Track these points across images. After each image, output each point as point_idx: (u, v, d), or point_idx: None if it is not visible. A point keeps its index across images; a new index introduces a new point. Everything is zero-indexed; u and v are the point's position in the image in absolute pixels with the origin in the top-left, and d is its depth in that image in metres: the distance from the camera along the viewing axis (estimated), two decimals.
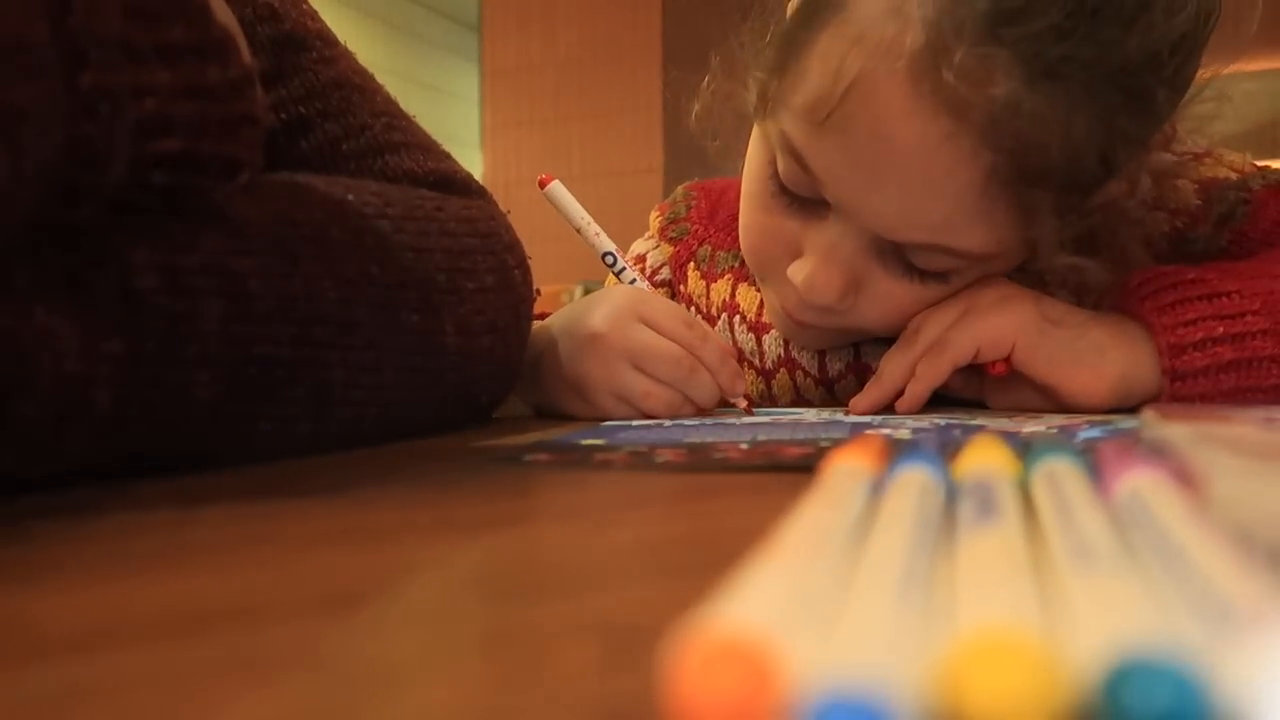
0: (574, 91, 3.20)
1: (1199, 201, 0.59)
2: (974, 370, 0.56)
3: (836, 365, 0.64)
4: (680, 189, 0.76)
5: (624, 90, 3.13)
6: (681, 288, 0.70)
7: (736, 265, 0.68)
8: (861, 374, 0.64)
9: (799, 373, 0.65)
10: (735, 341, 0.67)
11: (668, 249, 0.72)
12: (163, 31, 0.28)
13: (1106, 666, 0.09)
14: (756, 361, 0.66)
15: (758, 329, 0.65)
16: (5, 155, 0.22)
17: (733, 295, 0.67)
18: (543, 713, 0.13)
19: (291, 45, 0.49)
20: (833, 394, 0.65)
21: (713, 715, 0.10)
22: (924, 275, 0.55)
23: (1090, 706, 0.09)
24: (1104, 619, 0.11)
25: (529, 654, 0.15)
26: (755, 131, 0.59)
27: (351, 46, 0.55)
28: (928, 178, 0.49)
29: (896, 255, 0.54)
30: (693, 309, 0.70)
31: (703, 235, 0.71)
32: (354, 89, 0.51)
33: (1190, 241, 0.60)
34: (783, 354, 0.65)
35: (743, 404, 0.57)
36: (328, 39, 0.52)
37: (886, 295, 0.55)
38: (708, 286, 0.69)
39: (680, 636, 0.11)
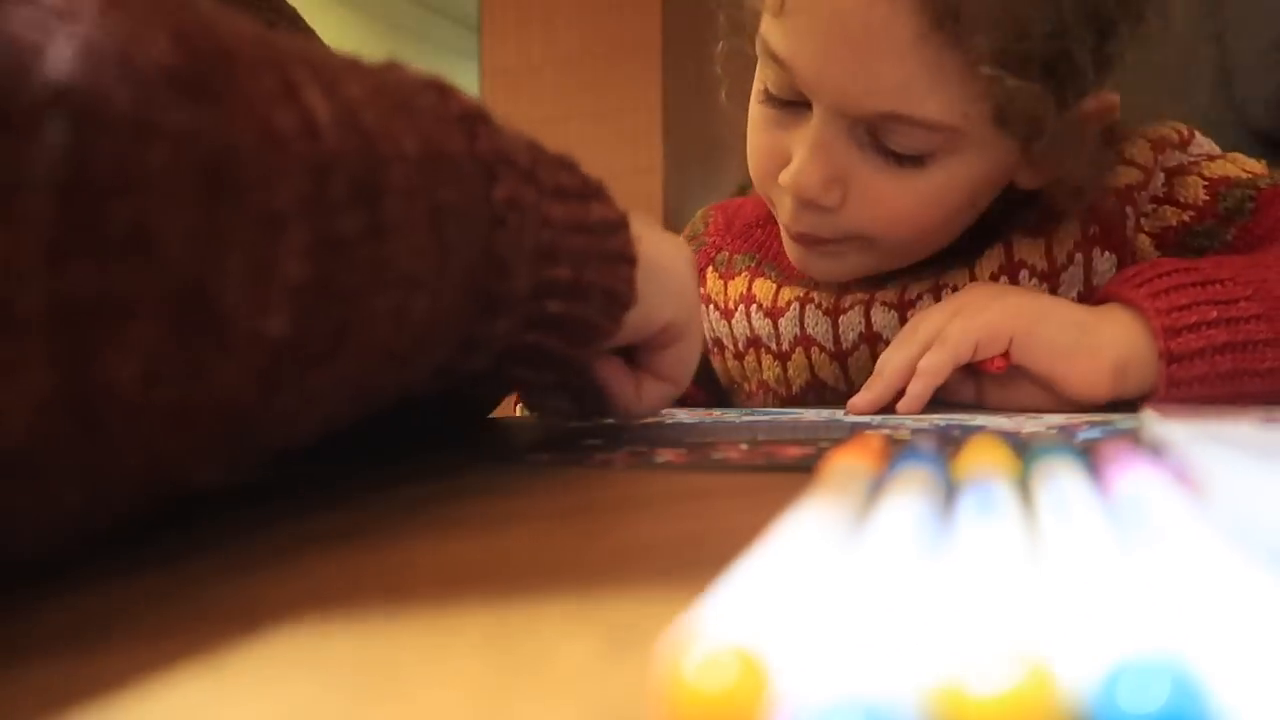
0: (574, 91, 3.20)
1: (1207, 197, 0.61)
2: (970, 373, 0.56)
3: (850, 336, 0.65)
4: (699, 212, 0.80)
5: (624, 90, 3.12)
6: (700, 290, 0.73)
7: (753, 265, 0.71)
8: (873, 344, 0.65)
9: (814, 349, 0.67)
10: (752, 328, 0.69)
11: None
12: (557, 175, 0.32)
13: (1105, 666, 0.09)
14: (773, 345, 0.68)
15: (773, 314, 0.68)
16: (436, 249, 0.25)
17: (749, 288, 0.70)
18: (543, 712, 0.13)
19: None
20: (846, 370, 0.66)
21: (709, 716, 0.10)
22: (901, 161, 0.56)
23: (1089, 707, 0.09)
24: (1103, 619, 0.11)
25: (529, 653, 0.15)
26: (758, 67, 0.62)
27: (351, 47, 0.57)
28: (870, 38, 0.52)
29: (874, 143, 0.56)
30: (710, 306, 0.72)
31: (720, 244, 0.74)
32: None
33: (1196, 235, 0.61)
34: (799, 333, 0.67)
35: None
36: (315, 41, 0.54)
37: (870, 188, 0.57)
38: (725, 284, 0.72)
39: (677, 637, 0.11)
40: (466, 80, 3.83)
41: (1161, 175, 0.61)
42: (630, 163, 3.26)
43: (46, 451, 0.16)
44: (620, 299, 0.35)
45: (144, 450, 0.18)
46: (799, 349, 0.67)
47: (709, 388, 0.75)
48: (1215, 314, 0.51)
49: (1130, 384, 0.53)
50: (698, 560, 0.21)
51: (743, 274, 0.71)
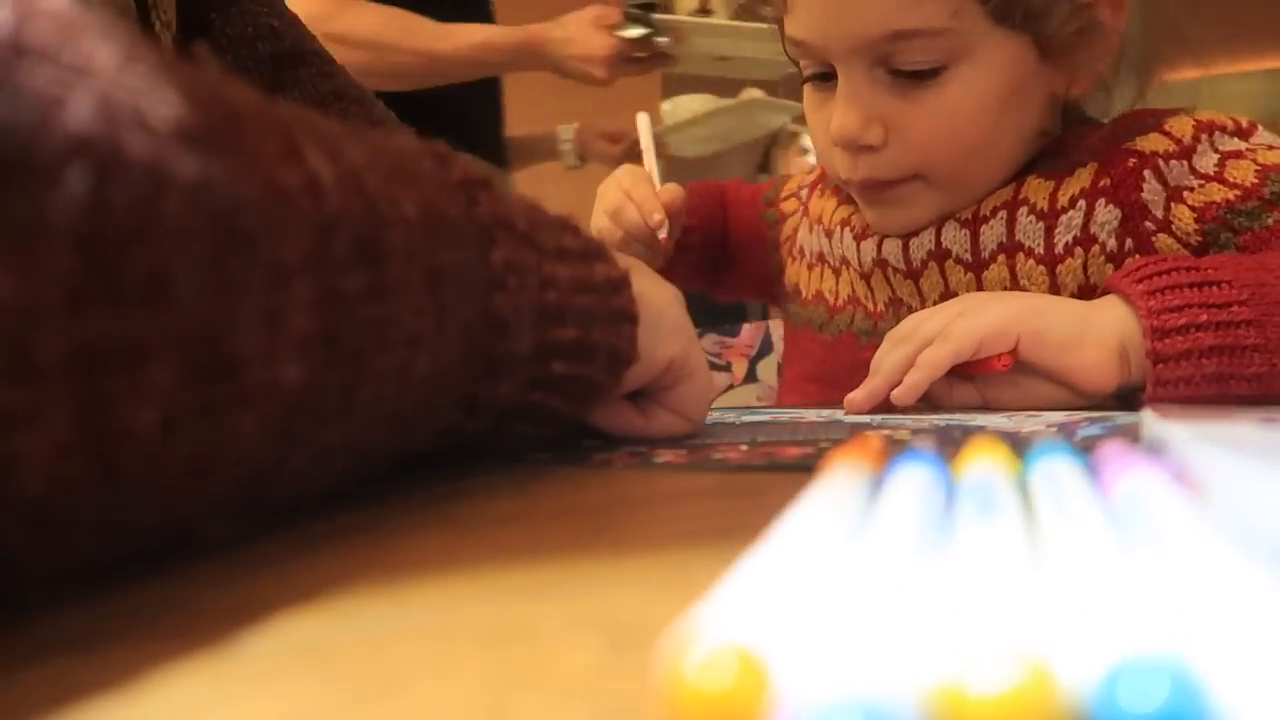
0: (574, 91, 3.20)
1: (1255, 180, 0.63)
2: (968, 378, 0.57)
3: (919, 254, 0.69)
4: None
5: (624, 90, 3.12)
6: (810, 205, 0.80)
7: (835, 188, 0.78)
8: (884, 268, 0.70)
9: (889, 270, 0.71)
10: (841, 250, 0.75)
11: (815, 174, 0.84)
12: (559, 237, 0.33)
13: (1105, 666, 0.09)
14: (855, 264, 0.74)
15: (860, 237, 0.73)
16: (435, 310, 0.26)
17: (821, 208, 0.78)
18: (543, 711, 0.13)
19: (290, 61, 0.53)
20: (919, 289, 0.69)
21: (709, 716, 0.10)
22: (921, 80, 0.61)
23: (1089, 707, 0.09)
24: (1102, 619, 0.11)
25: (529, 652, 0.15)
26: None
27: None
28: None
29: (892, 78, 0.62)
30: (818, 227, 0.78)
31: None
32: (351, 100, 0.55)
33: (1238, 214, 0.63)
34: (875, 255, 0.72)
35: (661, 234, 0.73)
36: (325, 57, 0.56)
37: (904, 116, 0.62)
38: (821, 203, 0.79)
39: (677, 636, 0.11)
40: None
41: (1215, 156, 0.64)
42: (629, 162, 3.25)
43: (64, 500, 0.16)
44: (622, 357, 0.35)
45: (160, 502, 0.19)
46: (878, 270, 0.73)
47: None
48: (1205, 317, 0.52)
49: (1133, 371, 0.54)
50: (698, 560, 0.21)
51: (827, 195, 0.78)
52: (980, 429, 0.44)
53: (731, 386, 0.95)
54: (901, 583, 0.13)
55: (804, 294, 0.79)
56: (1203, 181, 0.63)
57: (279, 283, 0.20)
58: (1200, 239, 0.62)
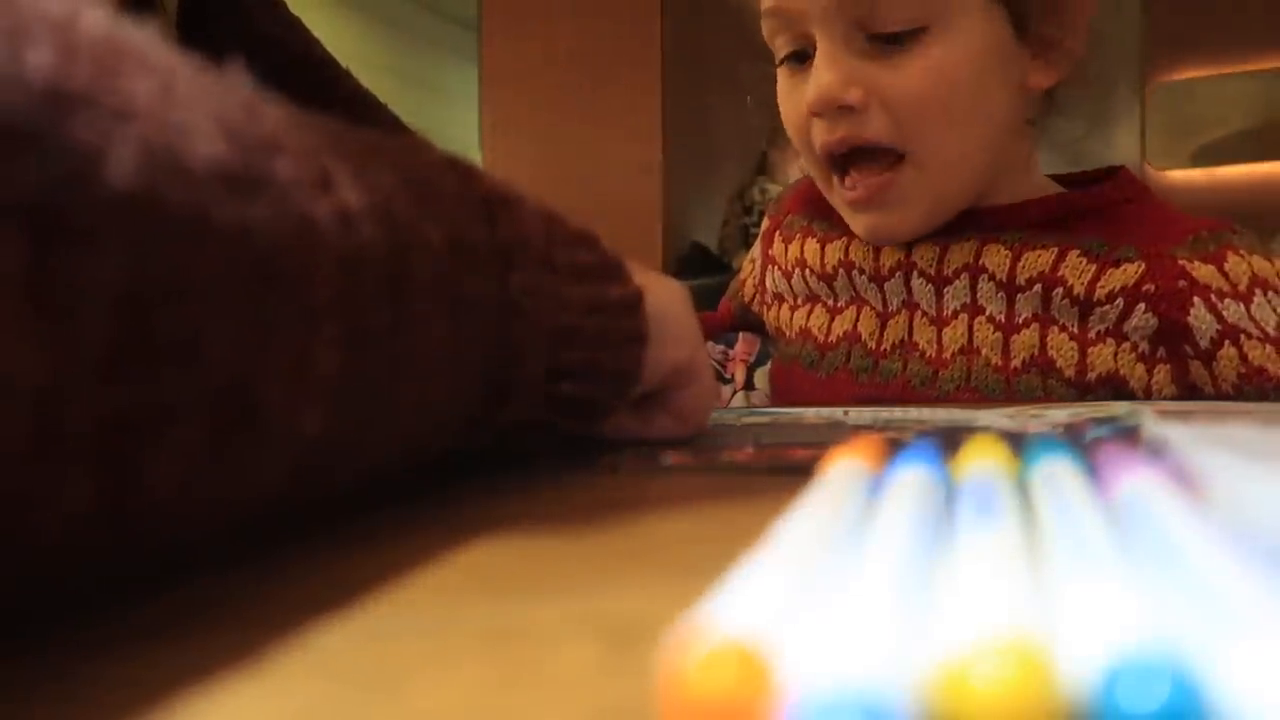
0: (574, 91, 3.20)
1: None
2: None
3: (953, 305, 0.68)
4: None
5: (624, 90, 3.13)
6: (770, 251, 0.81)
7: (806, 224, 0.77)
8: (913, 310, 0.68)
9: (865, 309, 0.71)
10: (809, 288, 0.75)
11: (766, 222, 0.84)
12: (575, 254, 0.32)
13: (1104, 666, 0.09)
14: (830, 301, 0.74)
15: (881, 277, 0.71)
16: (454, 339, 0.26)
17: (802, 251, 0.76)
18: (543, 713, 0.13)
19: (297, 70, 0.54)
20: (940, 338, 0.68)
21: (711, 715, 0.10)
22: (900, 42, 0.61)
23: (1088, 706, 0.09)
24: (1102, 619, 0.11)
25: (529, 654, 0.15)
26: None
27: (351, 46, 0.60)
28: None
29: (872, 45, 0.62)
30: (775, 269, 0.79)
31: (789, 208, 0.81)
32: (362, 105, 0.55)
33: None
34: (905, 297, 0.71)
35: None
36: (333, 64, 0.56)
37: (884, 80, 0.62)
38: (786, 247, 0.79)
39: (678, 636, 0.11)
40: (465, 80, 3.83)
41: (1276, 318, 0.61)
42: (630, 163, 3.26)
43: (79, 562, 0.16)
44: (628, 379, 0.35)
45: (170, 546, 0.18)
46: (850, 308, 0.73)
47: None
48: None
49: None
50: (698, 560, 0.21)
51: (797, 237, 0.77)
52: (981, 429, 0.44)
53: (735, 392, 0.96)
54: (902, 581, 0.13)
55: (788, 333, 0.78)
56: (1261, 341, 0.59)
57: (306, 325, 0.19)
58: (1230, 391, 0.59)
